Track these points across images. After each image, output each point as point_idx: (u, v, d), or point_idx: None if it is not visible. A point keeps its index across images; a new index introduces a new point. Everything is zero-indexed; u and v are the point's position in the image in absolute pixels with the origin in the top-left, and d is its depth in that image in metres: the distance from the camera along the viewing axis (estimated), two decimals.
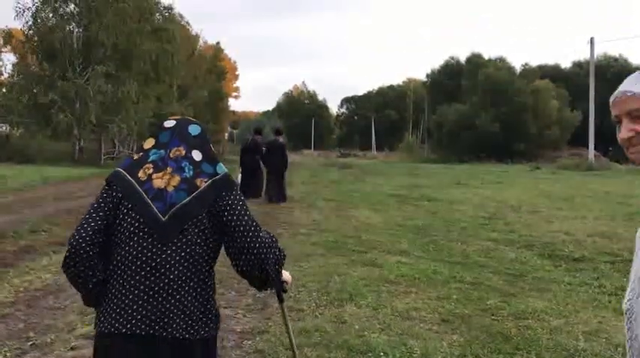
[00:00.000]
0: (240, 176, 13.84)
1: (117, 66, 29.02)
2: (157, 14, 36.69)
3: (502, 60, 60.51)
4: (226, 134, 74.32)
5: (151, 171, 1.99)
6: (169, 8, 37.24)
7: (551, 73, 60.29)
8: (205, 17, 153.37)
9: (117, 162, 33.25)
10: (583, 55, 76.21)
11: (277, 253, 2.04)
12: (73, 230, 1.96)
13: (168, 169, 2.00)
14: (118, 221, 1.96)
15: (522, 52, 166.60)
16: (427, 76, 72.30)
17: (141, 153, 2.08)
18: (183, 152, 2.04)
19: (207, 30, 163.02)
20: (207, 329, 1.99)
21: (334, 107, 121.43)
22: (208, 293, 2.01)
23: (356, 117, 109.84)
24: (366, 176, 26.98)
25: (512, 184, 21.75)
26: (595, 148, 36.43)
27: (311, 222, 10.82)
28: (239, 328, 4.67)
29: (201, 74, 54.11)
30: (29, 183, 17.86)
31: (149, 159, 2.03)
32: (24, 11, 29.48)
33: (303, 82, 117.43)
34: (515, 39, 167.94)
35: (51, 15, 29.33)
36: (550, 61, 67.62)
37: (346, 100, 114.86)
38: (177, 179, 1.98)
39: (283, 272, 2.16)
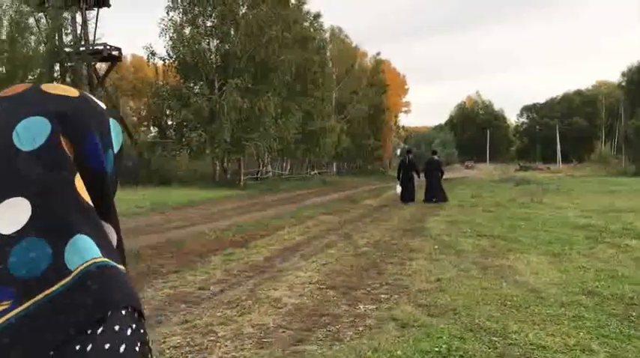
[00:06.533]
0: (399, 187, 18.33)
1: (254, 79, 26.72)
2: (306, 23, 34.39)
3: None
4: (398, 150, 69.11)
5: None
6: (317, 16, 34.78)
7: None
8: (378, 35, 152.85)
9: (260, 183, 31.13)
10: None
11: None
12: None
13: None
14: None
15: None
16: (623, 74, 62.20)
17: None
18: None
19: (378, 48, 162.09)
20: None
21: (512, 117, 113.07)
22: None
23: (538, 127, 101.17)
24: (545, 195, 21.36)
25: None
26: None
27: (431, 284, 6.49)
28: None
29: (362, 88, 51.54)
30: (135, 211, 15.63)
31: None
32: (168, 28, 28.58)
33: (477, 92, 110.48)
34: None
35: (187, 31, 27.95)
36: None
37: (526, 109, 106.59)
38: None
39: None
